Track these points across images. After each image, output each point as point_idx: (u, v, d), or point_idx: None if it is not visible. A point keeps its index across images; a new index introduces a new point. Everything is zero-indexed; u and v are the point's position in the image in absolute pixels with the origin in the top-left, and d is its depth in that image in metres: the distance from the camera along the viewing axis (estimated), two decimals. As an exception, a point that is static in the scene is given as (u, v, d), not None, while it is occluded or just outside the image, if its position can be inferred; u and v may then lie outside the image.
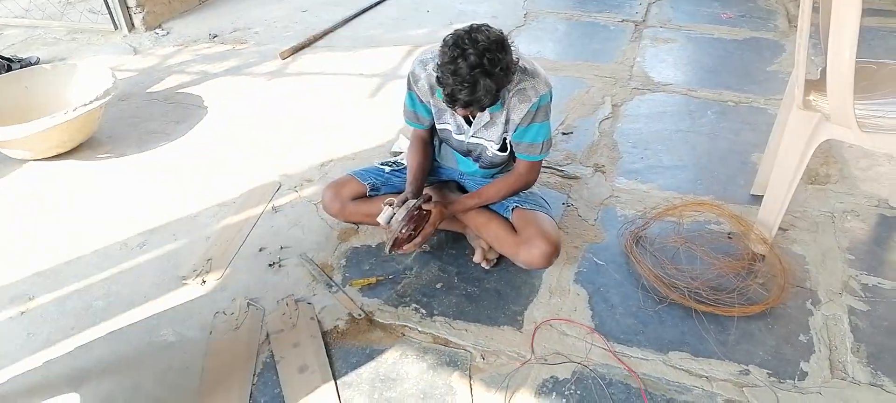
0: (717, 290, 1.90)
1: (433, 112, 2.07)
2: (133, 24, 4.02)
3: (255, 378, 1.71)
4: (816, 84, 1.93)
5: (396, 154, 2.63)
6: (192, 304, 1.97)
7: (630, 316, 1.85)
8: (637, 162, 2.57)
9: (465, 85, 1.64)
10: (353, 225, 2.25)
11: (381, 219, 1.94)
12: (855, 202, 2.28)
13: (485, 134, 2.01)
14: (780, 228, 2.09)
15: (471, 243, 2.13)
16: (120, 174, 2.64)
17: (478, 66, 1.63)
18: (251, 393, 1.67)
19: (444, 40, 1.70)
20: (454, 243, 2.17)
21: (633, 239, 2.12)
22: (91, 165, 2.71)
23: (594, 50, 3.52)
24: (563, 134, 2.76)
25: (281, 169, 2.61)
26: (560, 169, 2.52)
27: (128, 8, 3.98)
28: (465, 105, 1.69)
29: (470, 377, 1.70)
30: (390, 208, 1.94)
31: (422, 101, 2.06)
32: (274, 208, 2.39)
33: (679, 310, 1.86)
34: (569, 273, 2.03)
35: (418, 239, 1.95)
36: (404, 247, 1.96)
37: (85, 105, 2.61)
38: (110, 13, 3.98)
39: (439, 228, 2.13)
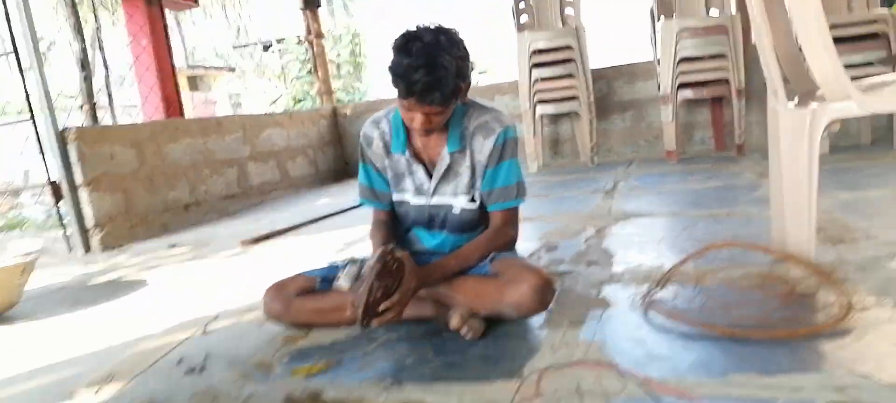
0: (768, 320, 1.47)
1: (389, 179, 1.83)
2: (89, 247, 3.83)
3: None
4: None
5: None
6: (73, 415, 1.44)
7: (662, 358, 1.38)
8: (635, 256, 2.24)
9: (421, 65, 1.43)
10: (302, 331, 1.80)
11: (341, 282, 1.57)
12: (896, 247, 1.94)
13: (447, 188, 1.75)
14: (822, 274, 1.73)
15: (444, 319, 1.68)
16: (27, 334, 2.20)
17: (435, 44, 1.45)
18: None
19: (393, 42, 1.54)
20: (426, 328, 1.72)
21: (649, 298, 1.72)
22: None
23: (567, 207, 3.38)
24: (547, 249, 2.46)
25: (224, 305, 2.20)
26: (547, 269, 2.17)
27: (86, 231, 3.83)
28: (425, 90, 1.45)
29: (455, 429, 1.17)
30: (353, 266, 1.58)
31: (377, 170, 1.83)
32: (205, 331, 1.94)
33: (726, 343, 1.40)
34: (574, 332, 1.58)
35: (397, 300, 1.51)
36: (382, 318, 1.51)
37: None
38: (65, 238, 3.81)
39: (404, 318, 1.72)
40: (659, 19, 5.02)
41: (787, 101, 1.74)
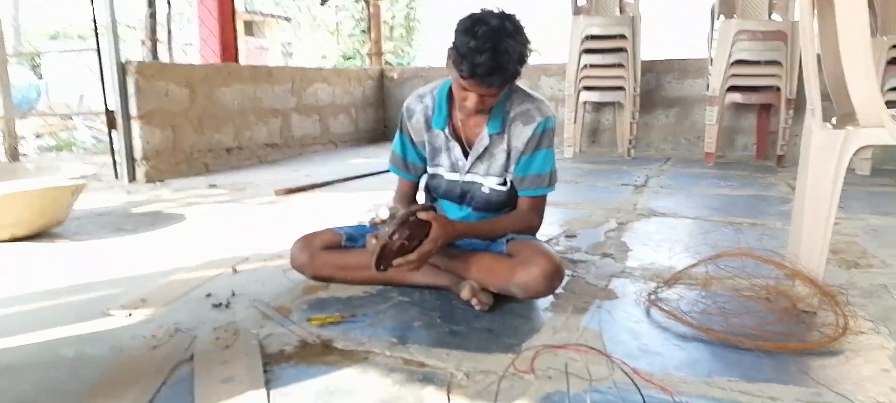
0: (762, 332, 1.51)
1: (426, 152, 1.91)
2: (134, 177, 4.04)
3: (163, 388, 1.29)
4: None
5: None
6: (108, 331, 1.59)
7: (654, 353, 1.45)
8: (650, 254, 2.28)
9: (487, 48, 1.50)
10: (323, 283, 1.92)
11: (379, 212, 1.69)
12: (911, 278, 1.95)
13: (481, 167, 1.82)
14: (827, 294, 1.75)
15: (456, 290, 1.78)
16: (71, 253, 2.37)
17: (501, 30, 1.52)
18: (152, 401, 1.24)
19: (457, 23, 1.60)
20: (438, 295, 1.81)
21: (653, 296, 1.77)
22: (44, 246, 2.45)
23: (595, 197, 3.42)
24: (567, 236, 2.52)
25: (254, 249, 2.34)
26: (563, 256, 2.24)
27: (133, 161, 4.03)
28: (487, 73, 1.52)
29: (449, 391, 1.27)
30: (385, 208, 1.68)
31: (413, 144, 1.91)
32: (234, 270, 2.08)
33: (717, 348, 1.46)
34: (577, 319, 1.65)
35: (413, 257, 1.61)
36: (395, 264, 1.62)
37: (48, 180, 2.46)
38: (114, 162, 4.02)
39: (418, 284, 1.82)
40: (719, 18, 4.93)
41: (822, 119, 1.74)
